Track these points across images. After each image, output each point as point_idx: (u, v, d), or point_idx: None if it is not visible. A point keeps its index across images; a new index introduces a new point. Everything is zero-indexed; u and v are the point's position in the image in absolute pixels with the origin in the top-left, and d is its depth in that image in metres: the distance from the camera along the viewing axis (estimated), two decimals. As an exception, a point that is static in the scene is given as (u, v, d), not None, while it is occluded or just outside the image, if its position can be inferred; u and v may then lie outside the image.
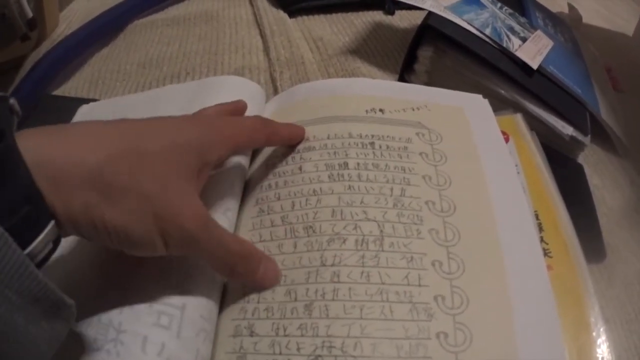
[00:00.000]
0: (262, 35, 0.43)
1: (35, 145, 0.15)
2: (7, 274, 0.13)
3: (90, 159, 0.16)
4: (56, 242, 0.16)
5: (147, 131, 0.19)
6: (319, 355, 0.18)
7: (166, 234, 0.17)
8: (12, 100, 0.16)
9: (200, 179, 0.20)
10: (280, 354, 0.18)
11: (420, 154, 0.24)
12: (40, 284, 0.14)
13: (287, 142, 0.25)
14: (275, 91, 0.36)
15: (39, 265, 0.15)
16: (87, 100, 0.34)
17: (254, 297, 0.20)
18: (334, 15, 0.47)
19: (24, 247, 0.14)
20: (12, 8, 0.46)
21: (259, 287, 0.21)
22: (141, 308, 0.18)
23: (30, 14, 0.47)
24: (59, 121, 0.30)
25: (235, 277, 0.20)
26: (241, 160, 0.26)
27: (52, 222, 0.15)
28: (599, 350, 0.21)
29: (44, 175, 0.15)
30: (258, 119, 0.24)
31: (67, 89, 0.39)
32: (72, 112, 0.32)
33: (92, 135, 0.17)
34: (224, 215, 0.23)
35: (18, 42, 0.47)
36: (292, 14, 0.46)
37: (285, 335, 0.19)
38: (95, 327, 0.18)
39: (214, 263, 0.20)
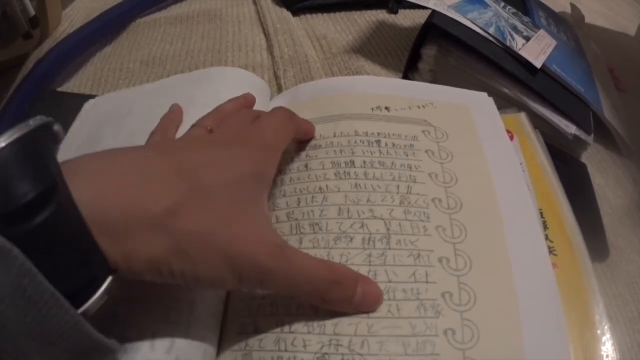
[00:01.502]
0: (266, 34, 0.43)
1: (89, 197, 0.14)
2: (55, 333, 0.12)
3: (154, 208, 0.15)
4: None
5: (203, 165, 0.18)
6: (326, 354, 0.18)
7: (240, 273, 0.16)
8: (57, 127, 0.15)
9: (265, 201, 0.19)
10: (286, 350, 0.18)
11: (427, 151, 0.24)
12: (92, 339, 0.13)
13: (304, 136, 0.25)
14: (279, 89, 0.36)
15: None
16: (92, 97, 0.34)
17: (259, 293, 0.20)
18: (337, 14, 0.47)
19: (79, 305, 0.13)
20: (15, 6, 0.46)
21: (359, 312, 0.19)
22: (149, 304, 0.18)
23: (32, 13, 0.47)
24: (64, 117, 0.31)
25: (330, 305, 0.18)
26: None
27: (111, 278, 0.14)
28: (603, 348, 0.21)
29: (103, 232, 0.14)
30: (287, 115, 0.23)
31: (70, 87, 0.39)
32: (78, 108, 0.32)
33: (150, 178, 0.16)
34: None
35: (20, 40, 0.48)
36: (295, 13, 0.46)
37: (291, 332, 0.19)
38: (102, 323, 0.18)
39: (300, 294, 0.18)
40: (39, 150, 0.13)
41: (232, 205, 0.17)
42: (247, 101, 0.26)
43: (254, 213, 0.18)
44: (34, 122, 0.14)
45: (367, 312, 0.19)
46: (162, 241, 0.15)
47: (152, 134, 0.25)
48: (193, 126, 0.23)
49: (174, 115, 0.26)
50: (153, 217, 0.15)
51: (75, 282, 0.13)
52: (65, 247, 0.13)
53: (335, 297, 0.18)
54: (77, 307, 0.13)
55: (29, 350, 0.12)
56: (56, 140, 0.15)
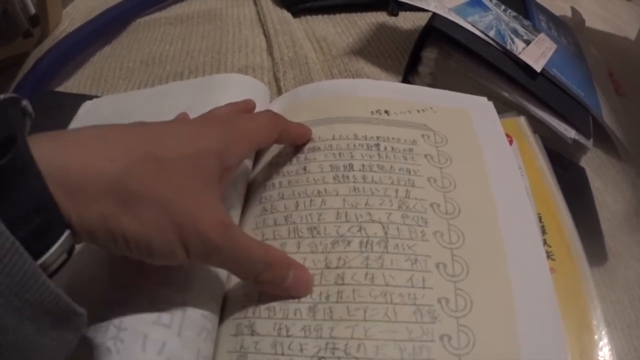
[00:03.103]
0: (266, 35, 0.43)
1: (49, 152, 0.15)
2: (17, 284, 0.13)
3: (108, 168, 0.16)
4: (70, 252, 0.15)
5: (166, 137, 0.18)
6: (322, 357, 0.18)
7: (187, 244, 0.17)
8: (24, 102, 0.16)
9: (221, 184, 0.19)
10: (283, 354, 0.18)
11: (426, 156, 0.24)
12: (52, 294, 0.14)
13: (296, 140, 0.25)
14: (279, 91, 0.36)
15: (52, 275, 0.15)
16: (90, 97, 0.34)
17: (255, 296, 0.20)
18: (337, 15, 0.47)
19: (36, 258, 0.13)
20: (15, 4, 0.46)
21: (288, 295, 0.20)
22: (142, 306, 0.18)
23: (32, 11, 0.47)
24: (61, 117, 0.31)
25: (262, 286, 0.20)
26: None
27: (67, 232, 0.15)
28: (601, 353, 0.21)
29: (58, 184, 0.14)
30: (270, 114, 0.23)
31: (70, 86, 0.39)
32: (75, 108, 0.32)
33: (109, 141, 0.17)
34: (227, 214, 0.23)
35: (20, 38, 0.47)
36: (295, 14, 0.46)
37: (288, 336, 0.19)
38: (96, 325, 0.18)
39: (237, 271, 0.19)
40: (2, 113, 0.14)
41: (186, 177, 0.17)
42: (246, 106, 0.26)
43: (207, 190, 0.18)
44: (3, 95, 0.15)
45: (296, 297, 0.20)
46: (114, 200, 0.15)
47: None
48: None
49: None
50: (106, 176, 0.15)
51: (30, 229, 0.14)
52: (20, 193, 0.13)
53: (268, 278, 0.19)
54: (36, 259, 0.13)
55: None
56: (24, 112, 0.16)
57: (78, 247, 0.21)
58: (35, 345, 0.14)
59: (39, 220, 0.14)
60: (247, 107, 0.26)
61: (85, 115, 0.31)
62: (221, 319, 0.20)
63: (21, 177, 0.14)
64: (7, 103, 0.15)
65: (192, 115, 0.24)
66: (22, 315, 0.13)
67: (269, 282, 0.19)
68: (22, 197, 0.13)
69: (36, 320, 0.13)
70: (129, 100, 0.32)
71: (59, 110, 0.33)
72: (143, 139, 0.17)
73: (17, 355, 0.13)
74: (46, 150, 0.15)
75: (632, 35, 0.52)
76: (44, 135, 0.15)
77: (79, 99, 0.33)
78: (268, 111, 0.24)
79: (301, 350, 0.18)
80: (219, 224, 0.18)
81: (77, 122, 0.31)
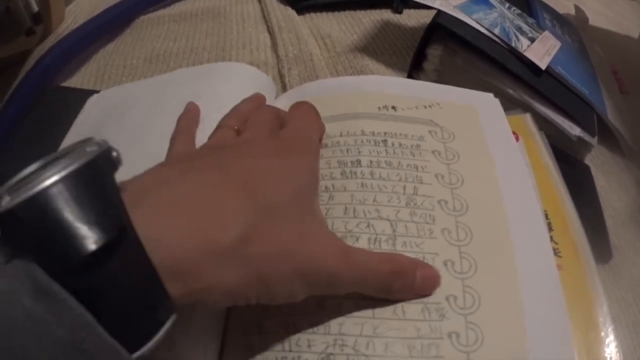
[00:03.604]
0: (270, 32, 0.43)
1: (156, 235, 0.12)
2: None
3: (225, 239, 0.14)
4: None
5: (263, 178, 0.17)
6: (331, 354, 0.18)
7: (310, 282, 0.16)
8: (115, 153, 0.13)
9: (320, 209, 0.19)
10: (290, 350, 0.18)
11: (433, 152, 0.24)
12: None
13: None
14: (284, 88, 0.36)
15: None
16: (95, 92, 0.34)
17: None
18: (342, 12, 0.47)
19: (135, 349, 0.12)
20: (18, 2, 0.46)
21: (420, 296, 0.19)
22: None
23: (35, 8, 0.47)
24: (67, 113, 0.31)
25: (395, 296, 0.19)
26: None
27: (173, 317, 0.13)
28: (607, 350, 0.21)
29: (174, 273, 0.13)
30: (313, 110, 0.23)
31: (73, 83, 0.38)
32: (81, 103, 0.32)
33: (215, 203, 0.15)
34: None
35: (23, 36, 0.47)
36: (300, 11, 0.46)
37: (295, 332, 0.19)
38: None
39: (368, 291, 0.18)
40: (102, 184, 0.11)
41: (297, 219, 0.17)
42: (261, 100, 0.26)
43: (316, 222, 0.18)
44: (90, 148, 0.11)
45: (427, 295, 0.19)
46: (238, 270, 0.14)
47: (174, 137, 0.24)
48: (218, 127, 0.22)
49: (192, 114, 0.25)
50: (226, 249, 0.14)
51: (136, 331, 0.12)
52: (130, 296, 0.12)
53: (399, 287, 0.18)
54: (134, 350, 0.12)
55: None
56: (115, 167, 0.13)
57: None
58: None
59: (149, 320, 0.12)
60: (262, 101, 0.26)
61: (92, 108, 0.31)
62: (229, 317, 0.20)
63: (131, 279, 0.12)
64: (99, 161, 0.12)
65: (199, 103, 0.24)
66: None
67: (400, 290, 0.19)
68: (131, 301, 0.12)
69: None
70: (134, 90, 0.32)
71: (65, 106, 0.32)
72: (246, 189, 0.16)
73: None
74: (152, 235, 0.12)
75: (635, 34, 0.52)
76: (137, 202, 0.13)
77: (84, 94, 0.33)
78: (312, 108, 0.23)
79: (309, 346, 0.18)
80: (338, 252, 0.17)
81: (84, 116, 0.31)
